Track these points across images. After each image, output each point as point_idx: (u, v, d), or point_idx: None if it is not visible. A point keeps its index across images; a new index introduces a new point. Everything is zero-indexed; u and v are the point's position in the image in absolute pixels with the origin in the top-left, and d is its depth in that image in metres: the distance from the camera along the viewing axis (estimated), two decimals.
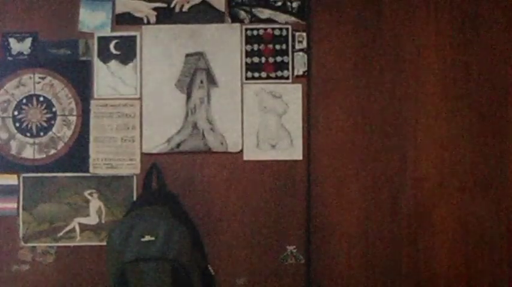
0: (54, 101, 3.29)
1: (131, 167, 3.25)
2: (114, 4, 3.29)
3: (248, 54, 3.27)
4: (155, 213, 2.99)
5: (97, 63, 3.28)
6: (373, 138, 3.24)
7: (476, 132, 3.22)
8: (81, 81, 3.29)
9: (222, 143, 3.25)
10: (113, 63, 3.28)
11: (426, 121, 3.22)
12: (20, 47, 3.29)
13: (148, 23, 3.29)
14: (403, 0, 3.26)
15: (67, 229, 3.25)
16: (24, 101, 3.30)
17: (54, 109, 3.29)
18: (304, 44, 3.27)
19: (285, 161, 3.25)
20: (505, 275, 3.19)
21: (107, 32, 3.29)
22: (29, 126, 3.29)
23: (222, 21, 3.28)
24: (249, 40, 3.27)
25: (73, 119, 3.28)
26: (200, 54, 3.27)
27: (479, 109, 3.22)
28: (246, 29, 3.27)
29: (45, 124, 3.29)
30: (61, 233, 3.25)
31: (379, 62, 3.25)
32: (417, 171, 3.21)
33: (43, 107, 3.29)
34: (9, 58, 3.30)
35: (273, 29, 3.28)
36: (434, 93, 3.22)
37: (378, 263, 3.20)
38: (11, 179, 3.26)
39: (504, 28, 3.24)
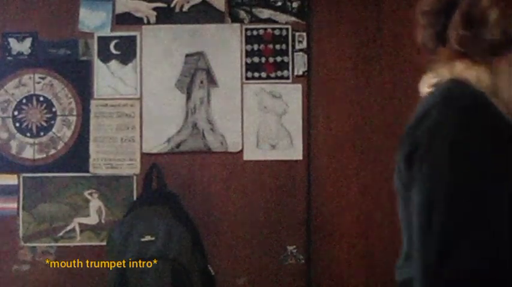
0: (54, 101, 3.29)
1: (131, 167, 3.25)
2: (114, 4, 3.28)
3: (248, 54, 3.27)
4: (155, 213, 2.99)
5: (97, 63, 3.28)
6: (373, 139, 3.24)
7: None
8: (81, 81, 3.29)
9: (222, 143, 3.25)
10: (113, 63, 3.28)
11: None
12: (20, 47, 3.29)
13: (149, 23, 3.29)
14: (403, 0, 3.26)
15: (67, 229, 3.25)
16: (24, 101, 3.30)
17: (54, 109, 3.29)
18: (304, 44, 3.27)
19: (285, 161, 3.25)
20: None
21: (106, 32, 3.28)
22: (29, 126, 3.29)
23: (222, 21, 3.28)
24: (249, 40, 3.27)
25: (73, 119, 3.28)
26: (200, 54, 3.27)
27: None
28: (246, 29, 3.27)
29: (45, 124, 3.29)
30: (61, 233, 3.25)
31: (379, 62, 3.25)
32: None
33: (43, 107, 3.29)
34: (9, 58, 3.29)
35: (273, 29, 3.28)
36: None
37: (378, 263, 3.20)
38: (11, 179, 3.26)
39: None
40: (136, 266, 2.89)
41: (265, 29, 3.28)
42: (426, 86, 1.33)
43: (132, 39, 3.28)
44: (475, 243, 1.12)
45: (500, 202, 1.14)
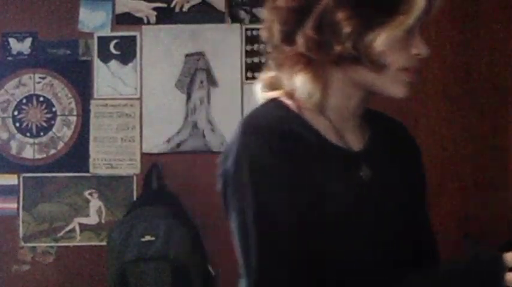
0: (54, 101, 3.29)
1: (131, 167, 3.25)
2: (114, 4, 3.28)
3: (248, 54, 3.27)
4: (155, 213, 2.99)
5: (97, 63, 3.28)
6: None
7: (476, 132, 3.22)
8: (81, 81, 3.29)
9: (222, 143, 3.25)
10: (113, 63, 3.28)
11: (426, 121, 3.22)
12: (20, 47, 3.29)
13: (149, 23, 3.29)
14: None
15: (67, 229, 3.25)
16: (24, 101, 3.30)
17: (54, 109, 3.29)
18: None
19: None
20: None
21: (107, 32, 3.28)
22: (29, 126, 3.29)
23: (222, 21, 3.27)
24: (249, 40, 3.27)
25: (73, 119, 3.28)
26: (200, 54, 3.27)
27: (479, 109, 3.23)
28: (246, 29, 3.27)
29: (45, 124, 3.29)
30: (61, 233, 3.25)
31: None
32: None
33: (43, 107, 3.29)
34: (9, 58, 3.29)
35: None
36: (434, 93, 3.23)
37: None
38: (11, 179, 3.26)
39: (504, 28, 3.24)
40: (136, 266, 2.89)
41: None
42: (260, 91, 1.39)
43: (132, 39, 3.28)
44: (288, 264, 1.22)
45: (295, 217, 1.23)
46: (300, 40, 1.28)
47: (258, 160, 1.25)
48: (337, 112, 1.33)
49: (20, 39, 3.29)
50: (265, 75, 1.37)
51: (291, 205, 1.23)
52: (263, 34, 1.34)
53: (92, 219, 3.25)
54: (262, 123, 1.30)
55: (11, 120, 3.29)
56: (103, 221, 3.24)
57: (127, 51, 3.28)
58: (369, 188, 1.31)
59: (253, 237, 1.23)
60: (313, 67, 1.29)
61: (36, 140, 3.28)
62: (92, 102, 3.28)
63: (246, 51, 3.27)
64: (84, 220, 3.25)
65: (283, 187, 1.23)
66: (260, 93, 1.38)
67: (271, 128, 1.28)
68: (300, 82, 1.29)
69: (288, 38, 1.30)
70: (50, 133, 3.28)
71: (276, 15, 1.31)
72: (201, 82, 3.27)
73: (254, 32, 3.27)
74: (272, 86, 1.36)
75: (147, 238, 2.92)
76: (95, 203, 3.25)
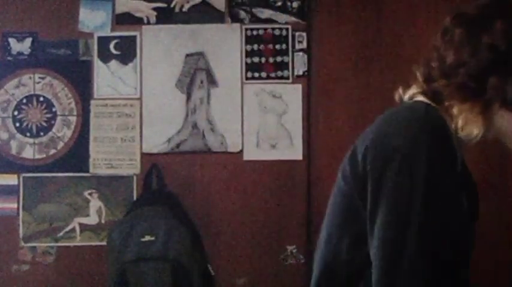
0: (54, 101, 3.29)
1: (131, 167, 3.25)
2: (114, 4, 3.29)
3: (248, 54, 3.27)
4: (155, 213, 2.99)
5: (97, 63, 3.28)
6: None
7: None
8: (81, 81, 3.29)
9: (222, 143, 3.25)
10: (113, 63, 3.28)
11: None
12: (20, 47, 3.29)
13: (149, 23, 3.29)
14: (403, 0, 3.26)
15: (67, 229, 3.25)
16: (24, 101, 3.30)
17: (54, 109, 3.29)
18: (304, 44, 3.27)
19: (285, 161, 3.25)
20: (505, 275, 3.19)
21: (106, 32, 3.29)
22: (29, 126, 3.29)
23: (222, 21, 3.28)
24: (249, 40, 3.27)
25: (73, 119, 3.28)
26: (200, 54, 3.27)
27: None
28: (246, 29, 3.27)
29: (45, 124, 3.29)
30: (61, 233, 3.25)
31: (379, 62, 3.25)
32: None
33: (43, 107, 3.29)
34: (9, 58, 3.30)
35: (273, 29, 3.28)
36: None
37: None
38: (11, 179, 3.26)
39: None
40: (136, 266, 2.89)
41: (265, 29, 3.28)
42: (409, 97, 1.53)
43: (132, 39, 3.28)
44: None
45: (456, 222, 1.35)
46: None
47: (436, 156, 1.33)
48: (464, 137, 1.47)
49: (20, 39, 3.29)
50: (419, 90, 1.54)
51: (455, 207, 1.35)
52: (434, 63, 1.47)
53: (92, 219, 3.25)
54: (440, 125, 1.39)
55: (11, 120, 3.29)
56: (103, 221, 3.25)
57: (127, 51, 3.28)
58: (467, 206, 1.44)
59: (415, 223, 1.28)
60: (481, 103, 1.41)
61: (36, 140, 3.28)
62: (92, 102, 3.28)
63: (246, 51, 3.27)
64: (84, 220, 3.25)
65: (452, 186, 1.36)
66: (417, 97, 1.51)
67: (446, 132, 1.39)
68: (469, 116, 1.43)
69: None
70: (50, 133, 3.28)
71: (455, 50, 1.43)
72: (201, 82, 3.27)
73: (254, 32, 3.28)
74: (431, 99, 1.47)
75: (147, 238, 2.92)
76: (95, 203, 3.25)
